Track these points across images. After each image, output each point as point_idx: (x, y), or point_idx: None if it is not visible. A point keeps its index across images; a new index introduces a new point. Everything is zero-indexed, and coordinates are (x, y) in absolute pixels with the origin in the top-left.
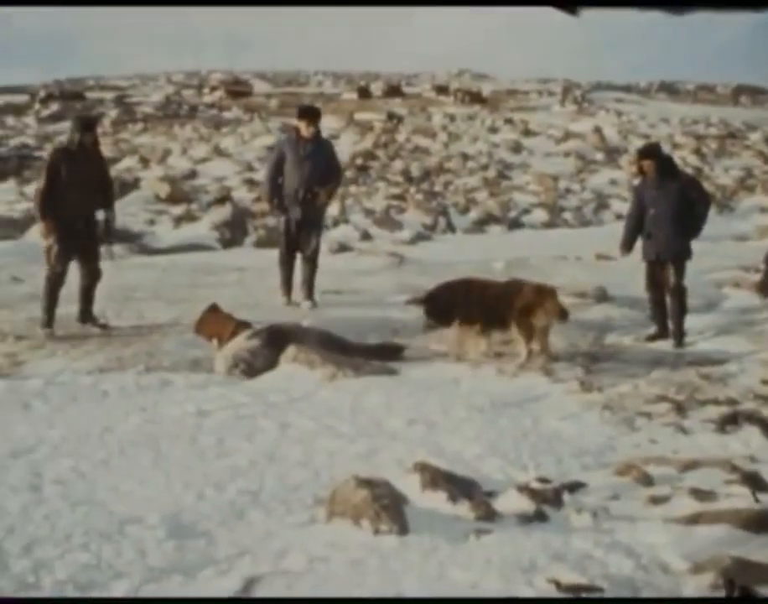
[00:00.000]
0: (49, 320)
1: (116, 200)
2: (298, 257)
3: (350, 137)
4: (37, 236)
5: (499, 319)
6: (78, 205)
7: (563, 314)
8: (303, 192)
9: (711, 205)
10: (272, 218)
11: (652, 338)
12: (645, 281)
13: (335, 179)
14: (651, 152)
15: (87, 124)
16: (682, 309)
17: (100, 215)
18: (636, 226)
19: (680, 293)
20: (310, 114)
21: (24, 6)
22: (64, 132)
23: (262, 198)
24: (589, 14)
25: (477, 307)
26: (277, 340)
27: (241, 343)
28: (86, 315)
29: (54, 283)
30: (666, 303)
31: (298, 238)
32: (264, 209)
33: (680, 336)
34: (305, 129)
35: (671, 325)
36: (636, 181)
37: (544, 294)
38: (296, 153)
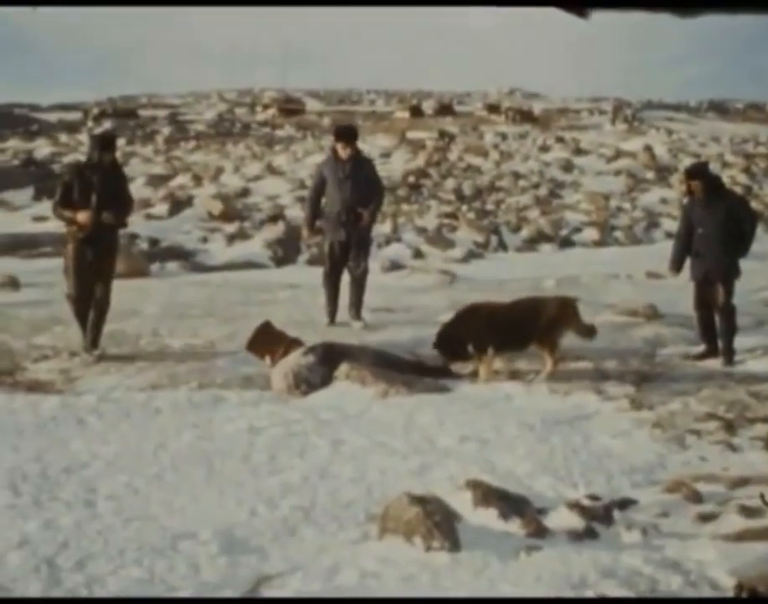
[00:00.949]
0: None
1: (174, 216)
2: (345, 277)
3: (402, 155)
4: None
5: (519, 339)
6: (93, 223)
7: (586, 329)
8: (346, 214)
9: (758, 223)
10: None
11: (701, 357)
12: (693, 300)
13: (378, 198)
14: (698, 172)
15: (106, 143)
16: (731, 329)
17: (107, 218)
18: (685, 246)
19: (729, 312)
20: (346, 135)
21: (26, 6)
22: (117, 149)
23: (302, 222)
24: (640, 34)
25: (492, 332)
26: (331, 357)
27: (297, 360)
28: (93, 342)
29: (75, 307)
30: (715, 322)
31: (344, 260)
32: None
33: (730, 355)
34: (342, 150)
35: (720, 344)
36: (685, 200)
37: (567, 306)
38: (335, 174)
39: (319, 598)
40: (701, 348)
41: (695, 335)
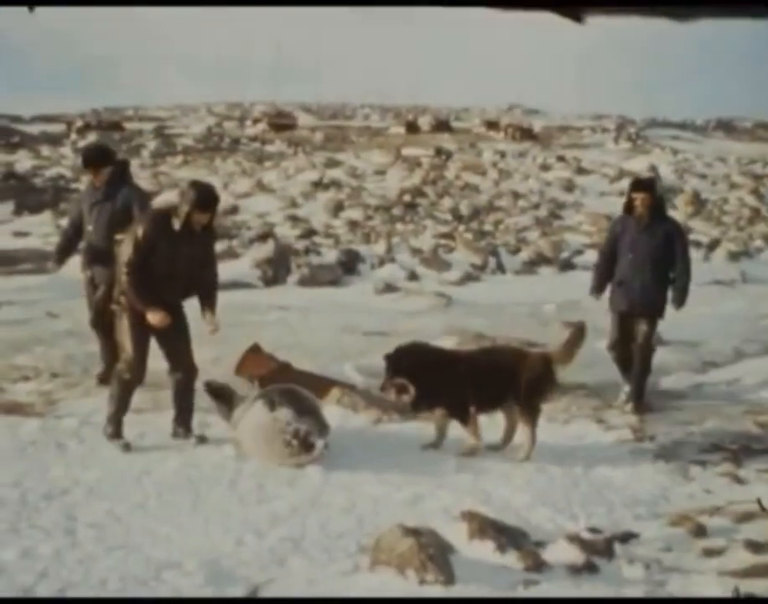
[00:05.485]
0: (118, 428)
1: None
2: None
3: (398, 173)
4: (73, 270)
5: (496, 397)
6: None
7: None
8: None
9: (691, 273)
10: (316, 256)
11: (629, 401)
12: (610, 336)
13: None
14: (647, 185)
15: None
16: (646, 370)
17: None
18: (609, 269)
19: (648, 352)
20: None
21: (25, 6)
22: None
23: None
24: (646, 50)
25: (467, 384)
26: (294, 399)
27: (271, 419)
28: (182, 424)
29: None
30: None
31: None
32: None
33: (639, 398)
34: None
35: (630, 386)
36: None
37: (553, 362)
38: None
39: (319, 598)
40: (626, 389)
41: (701, 362)
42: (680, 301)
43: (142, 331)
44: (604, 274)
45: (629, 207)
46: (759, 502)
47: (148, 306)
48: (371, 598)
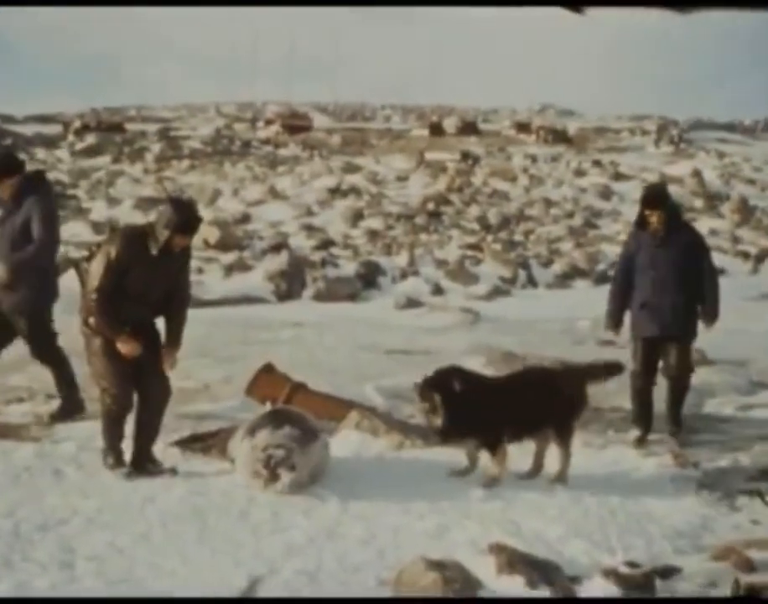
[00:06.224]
0: (119, 457)
1: None
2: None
3: (421, 179)
4: (71, 282)
5: (533, 424)
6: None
7: (610, 368)
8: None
9: (718, 285)
10: (333, 268)
11: (640, 441)
12: (635, 366)
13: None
14: (660, 200)
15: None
16: (683, 391)
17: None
18: (626, 294)
19: (687, 373)
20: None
21: (24, 6)
22: (101, 167)
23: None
24: (690, 46)
25: (502, 413)
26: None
27: (263, 442)
28: (144, 455)
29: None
30: (653, 397)
31: None
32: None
33: (678, 424)
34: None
35: (667, 412)
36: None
37: (583, 379)
38: None
39: (319, 598)
40: (636, 432)
41: (748, 383)
42: (712, 318)
43: (117, 357)
44: (621, 304)
45: (641, 222)
46: (759, 493)
47: (117, 335)
48: (369, 598)
